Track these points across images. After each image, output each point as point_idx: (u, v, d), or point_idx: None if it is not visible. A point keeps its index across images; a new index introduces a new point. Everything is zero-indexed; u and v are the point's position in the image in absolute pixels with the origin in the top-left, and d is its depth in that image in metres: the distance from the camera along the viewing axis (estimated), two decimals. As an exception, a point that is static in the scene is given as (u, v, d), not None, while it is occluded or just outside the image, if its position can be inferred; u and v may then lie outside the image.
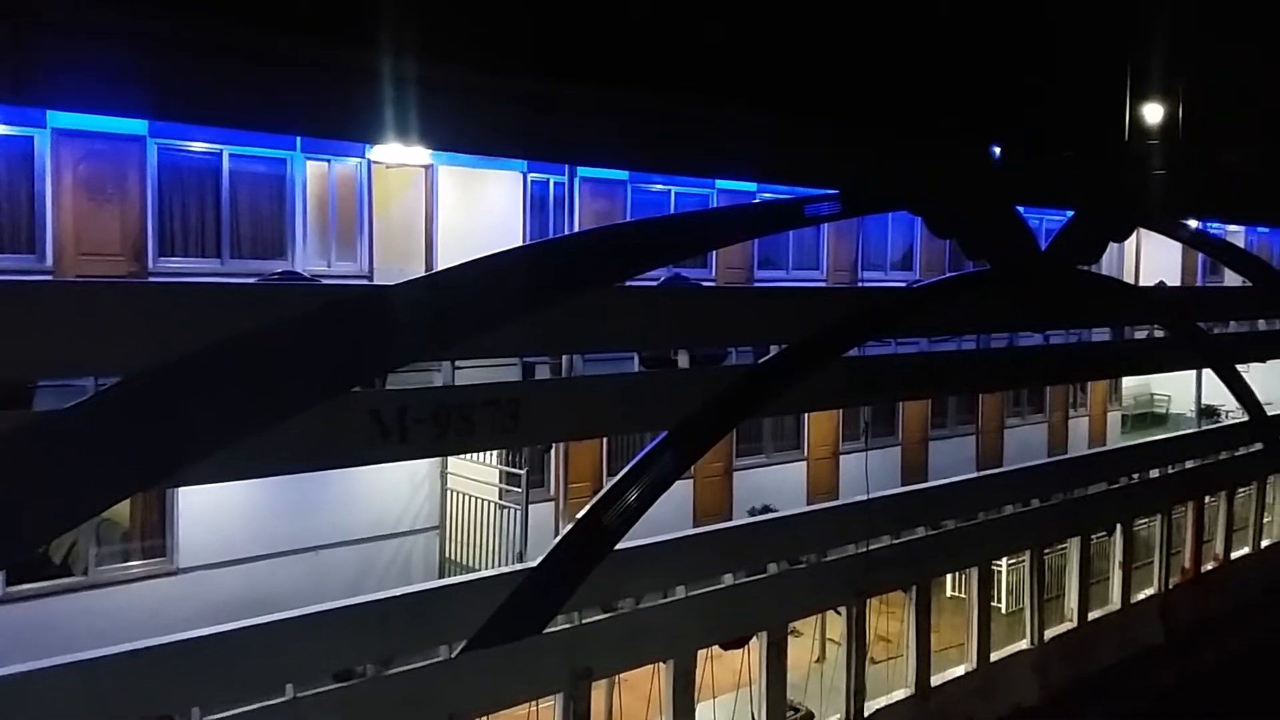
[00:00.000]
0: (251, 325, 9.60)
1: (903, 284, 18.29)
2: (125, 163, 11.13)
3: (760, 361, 14.42)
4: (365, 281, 12.63)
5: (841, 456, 18.40)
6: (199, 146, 11.64)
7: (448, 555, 13.63)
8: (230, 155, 11.78)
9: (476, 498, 13.35)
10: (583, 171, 13.86)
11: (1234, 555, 24.34)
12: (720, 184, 16.25)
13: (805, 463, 18.16)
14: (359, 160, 12.65)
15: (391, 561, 13.07)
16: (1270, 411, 24.76)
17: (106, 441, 8.85)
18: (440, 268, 12.62)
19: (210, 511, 11.64)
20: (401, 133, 11.12)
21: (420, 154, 12.65)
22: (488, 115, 11.72)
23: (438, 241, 13.29)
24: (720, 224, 15.21)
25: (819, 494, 17.71)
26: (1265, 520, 25.57)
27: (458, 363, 11.36)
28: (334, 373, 10.16)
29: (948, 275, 18.83)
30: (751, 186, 16.40)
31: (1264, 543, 25.49)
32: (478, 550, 13.24)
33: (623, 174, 15.02)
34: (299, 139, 12.08)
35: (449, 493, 13.68)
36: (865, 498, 15.63)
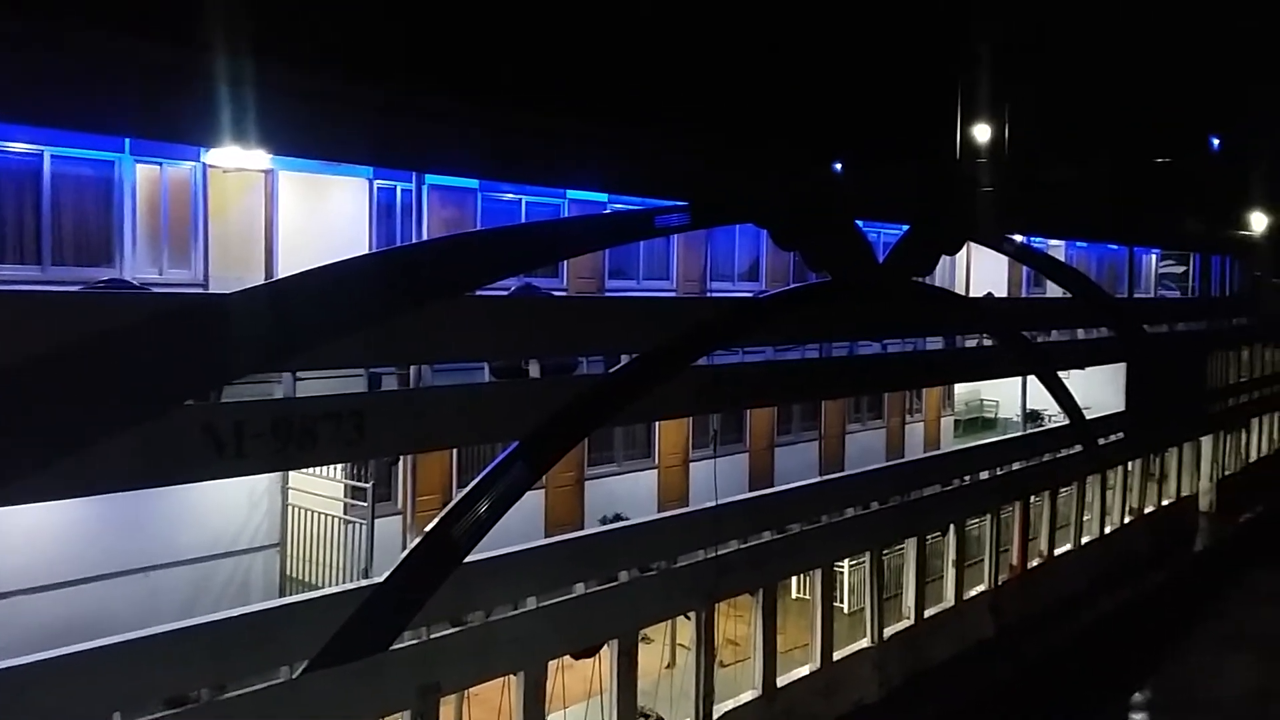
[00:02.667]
0: (76, 336, 9.12)
1: (749, 294, 18.73)
2: (-67, 162, 10.40)
3: (611, 371, 14.54)
4: (200, 290, 12.12)
5: (691, 464, 18.69)
6: (17, 147, 10.95)
7: (289, 573, 13.20)
8: (52, 157, 11.13)
9: (319, 513, 12.98)
10: (431, 179, 13.66)
11: (1057, 551, 25.84)
12: (571, 194, 16.30)
13: (656, 471, 18.37)
14: (193, 164, 12.15)
15: (229, 581, 12.56)
16: (1089, 415, 26.47)
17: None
18: (281, 276, 12.23)
19: (29, 532, 10.94)
20: (240, 136, 10.75)
21: (260, 158, 12.23)
22: (332, 120, 11.45)
23: (278, 249, 12.88)
24: (571, 234, 15.25)
25: (670, 501, 17.94)
26: (1085, 518, 27.26)
27: (299, 374, 11.04)
28: (165, 385, 9.73)
29: (792, 286, 19.39)
30: (603, 197, 16.51)
31: (1084, 539, 27.16)
32: (321, 567, 12.88)
33: (473, 182, 14.89)
34: (128, 140, 11.52)
35: (290, 508, 13.25)
36: (714, 504, 15.93)
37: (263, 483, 12.95)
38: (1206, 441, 35.83)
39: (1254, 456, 41.36)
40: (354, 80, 11.31)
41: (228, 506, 12.71)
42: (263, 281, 12.08)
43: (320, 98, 11.27)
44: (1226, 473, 37.58)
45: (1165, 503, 32.59)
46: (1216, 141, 43.46)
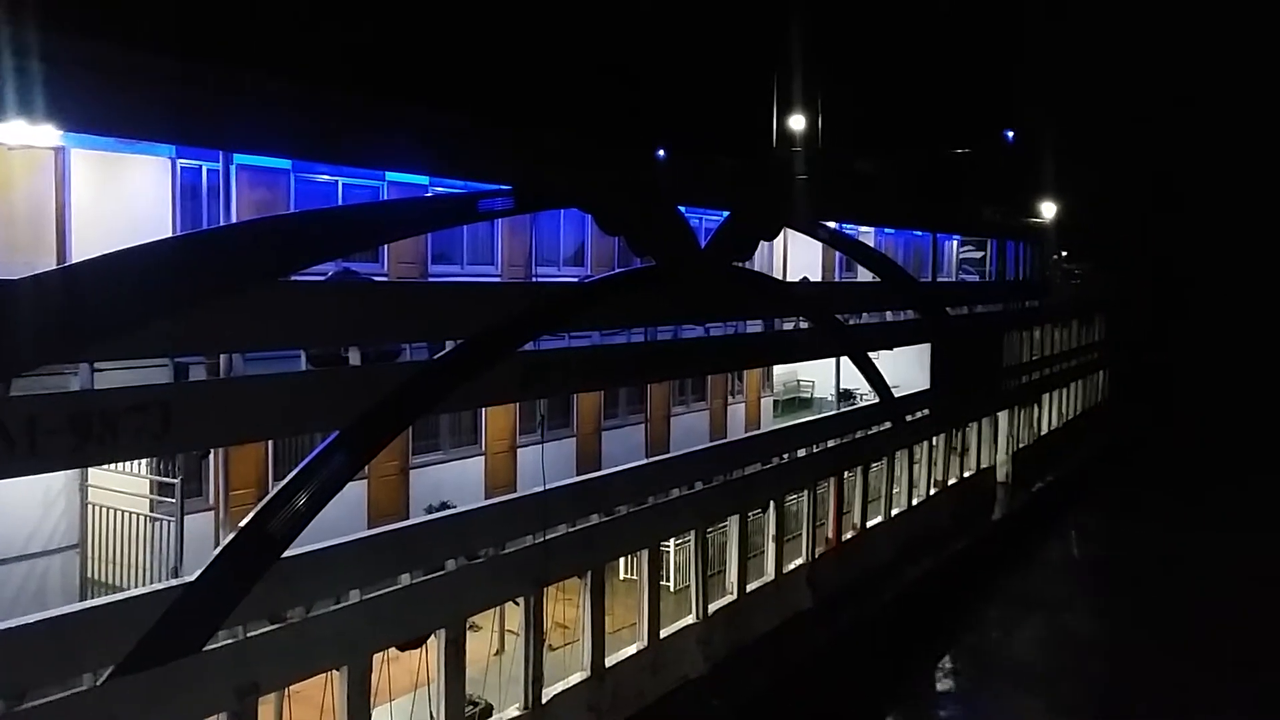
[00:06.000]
0: None
1: (575, 279, 18.79)
2: None
3: (435, 357, 14.32)
4: (-17, 275, 11.22)
5: (519, 450, 18.63)
6: None
7: (91, 575, 12.44)
8: None
9: (124, 510, 12.27)
10: (240, 159, 13.05)
11: (870, 524, 27.15)
12: (391, 176, 15.92)
13: (483, 458, 18.23)
14: (-28, 140, 11.21)
15: (22, 587, 11.73)
16: (896, 394, 27.88)
17: None
18: (75, 260, 11.46)
19: None
20: (24, 110, 9.97)
21: (48, 134, 11.39)
22: (123, 94, 10.76)
23: (71, 232, 12.05)
24: (392, 217, 14.89)
25: (498, 488, 17.83)
26: (895, 491, 28.74)
27: (98, 365, 10.39)
28: (-56, 379, 8.99)
29: (617, 271, 19.56)
30: (424, 180, 16.20)
31: (894, 511, 28.64)
32: (127, 568, 12.19)
33: (285, 163, 14.33)
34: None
35: (90, 506, 12.48)
36: (542, 489, 15.96)
37: (59, 480, 12.15)
38: (1003, 416, 38.36)
39: (1045, 429, 44.60)
40: (147, 51, 10.67)
41: (20, 506, 11.85)
42: (54, 266, 11.30)
43: (110, 69, 10.58)
44: (1021, 445, 40.36)
45: (966, 475, 34.71)
46: (1010, 134, 46.40)
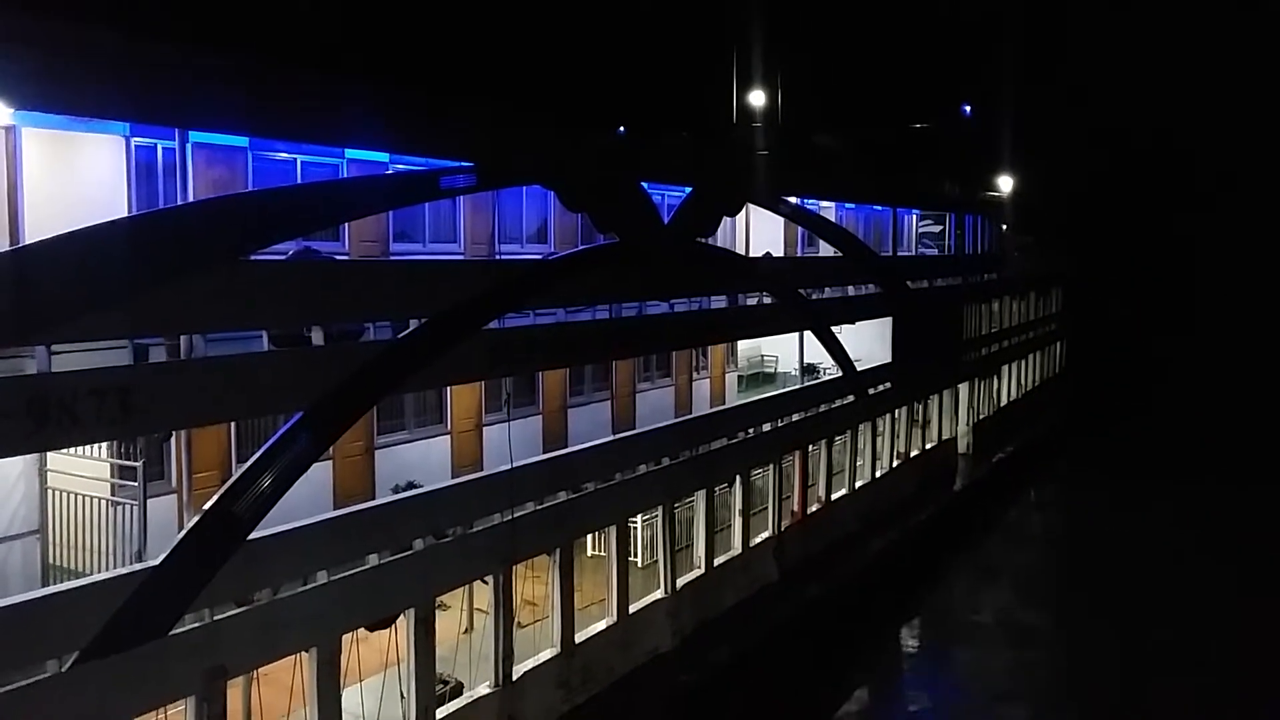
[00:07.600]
0: None
1: (539, 256, 18.71)
2: None
3: (399, 336, 14.22)
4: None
5: (485, 428, 18.59)
6: None
7: (53, 561, 12.27)
8: None
9: (85, 495, 12.11)
10: (196, 136, 12.82)
11: (834, 496, 27.39)
12: (351, 153, 15.72)
13: (449, 436, 18.17)
14: (-81, 118, 10.94)
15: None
16: (859, 367, 28.09)
17: None
18: (29, 241, 11.23)
19: None
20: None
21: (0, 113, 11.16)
22: (75, 71, 10.53)
23: (24, 212, 11.80)
24: (352, 195, 14.72)
25: (464, 467, 17.78)
26: (858, 463, 29.00)
27: (55, 347, 10.21)
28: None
29: (580, 248, 19.49)
30: (384, 157, 16.03)
31: (858, 483, 28.91)
32: (89, 553, 12.03)
33: (242, 140, 14.11)
34: None
35: (50, 491, 12.30)
36: (509, 467, 15.94)
37: (18, 465, 11.96)
38: (964, 388, 38.80)
39: (1004, 401, 45.17)
40: (98, 27, 10.44)
41: (-24, 493, 11.67)
42: (7, 248, 11.08)
43: (61, 46, 10.34)
44: (981, 416, 40.87)
45: (928, 446, 35.10)
46: (968, 109, 46.74)
